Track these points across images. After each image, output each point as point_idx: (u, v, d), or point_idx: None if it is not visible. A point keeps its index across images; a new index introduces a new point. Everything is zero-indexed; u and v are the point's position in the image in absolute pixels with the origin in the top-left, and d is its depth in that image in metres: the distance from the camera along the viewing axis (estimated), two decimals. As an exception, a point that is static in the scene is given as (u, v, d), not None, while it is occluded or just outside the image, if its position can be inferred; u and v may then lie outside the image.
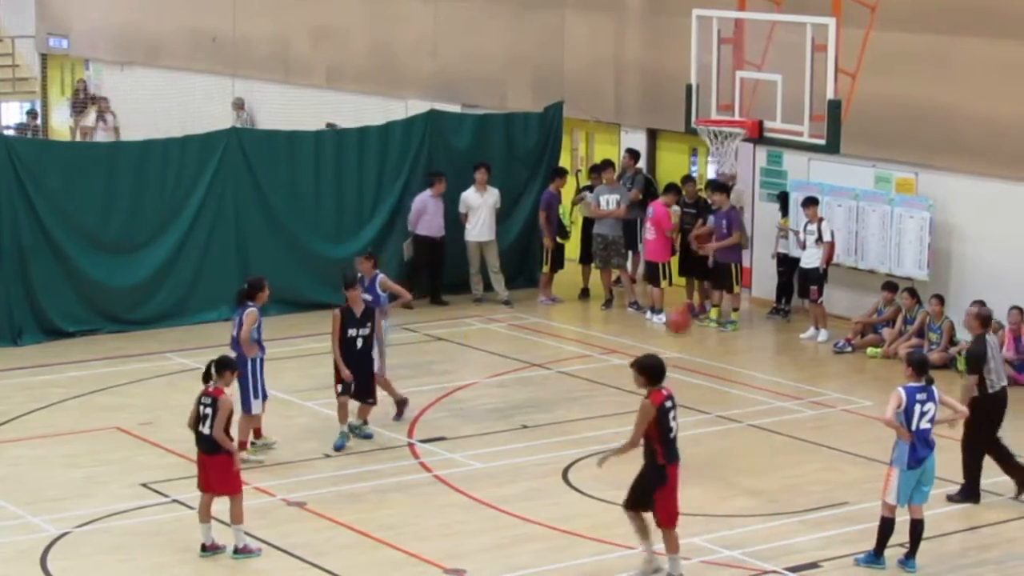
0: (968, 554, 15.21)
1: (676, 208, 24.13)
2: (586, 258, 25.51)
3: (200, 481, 14.92)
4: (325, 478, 17.10)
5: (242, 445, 17.19)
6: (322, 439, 18.05)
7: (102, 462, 17.55)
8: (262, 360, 17.51)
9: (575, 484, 17.01)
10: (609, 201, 24.69)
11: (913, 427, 14.50)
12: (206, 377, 14.95)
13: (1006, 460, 16.70)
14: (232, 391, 15.36)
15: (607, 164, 25.18)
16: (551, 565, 14.78)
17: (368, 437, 18.15)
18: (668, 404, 14.15)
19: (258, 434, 17.86)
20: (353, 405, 17.97)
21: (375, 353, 17.98)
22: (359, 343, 17.70)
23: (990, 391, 16.40)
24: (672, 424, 14.17)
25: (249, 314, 17.45)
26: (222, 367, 14.96)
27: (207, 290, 23.48)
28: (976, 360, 16.39)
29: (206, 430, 14.73)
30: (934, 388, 14.79)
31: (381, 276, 18.92)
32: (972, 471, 16.56)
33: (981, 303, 21.05)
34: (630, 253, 25.44)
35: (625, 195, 24.81)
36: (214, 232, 23.73)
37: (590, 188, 25.35)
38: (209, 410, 14.72)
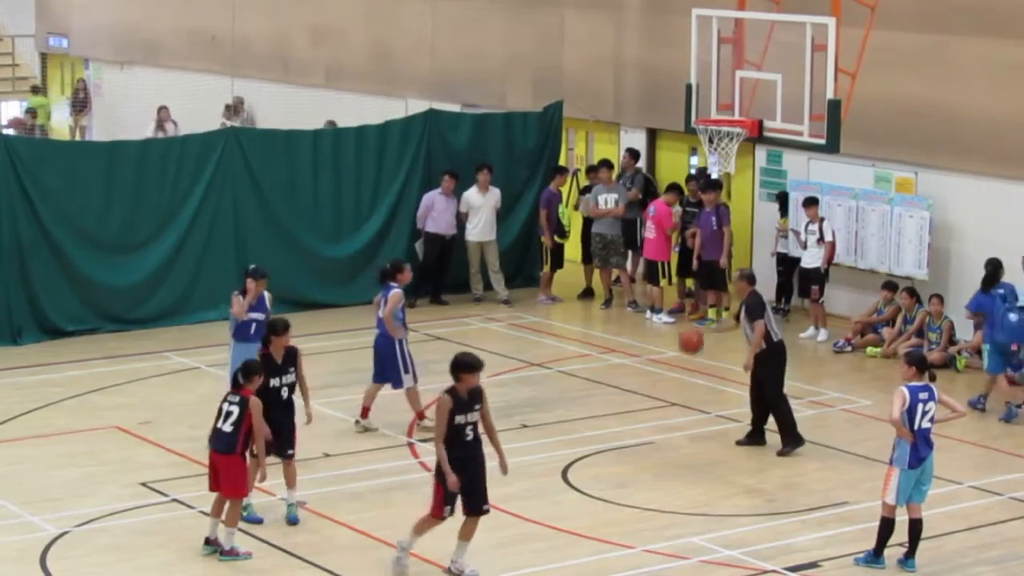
0: (968, 553, 15.20)
1: (678, 208, 24.14)
2: (587, 258, 25.52)
3: (210, 480, 14.94)
4: (325, 477, 17.09)
5: (420, 415, 18.28)
6: (322, 439, 18.04)
7: (101, 461, 17.56)
8: (403, 340, 18.15)
9: (575, 484, 17.02)
10: (607, 200, 24.70)
11: (915, 426, 14.50)
12: (234, 383, 14.96)
13: (761, 415, 18.18)
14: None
15: (603, 164, 25.19)
16: (550, 564, 14.79)
17: (293, 523, 15.77)
18: None
19: (365, 414, 18.35)
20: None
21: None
22: (284, 392, 15.86)
23: (774, 340, 17.95)
24: None
25: (394, 294, 18.00)
26: (249, 372, 14.97)
27: (206, 289, 23.48)
28: (756, 309, 17.92)
29: (227, 428, 14.72)
30: (934, 387, 14.80)
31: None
32: (785, 419, 18.00)
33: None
34: (630, 252, 25.48)
35: (623, 194, 24.81)
36: (213, 231, 23.73)
37: (589, 189, 25.36)
38: (235, 408, 14.72)
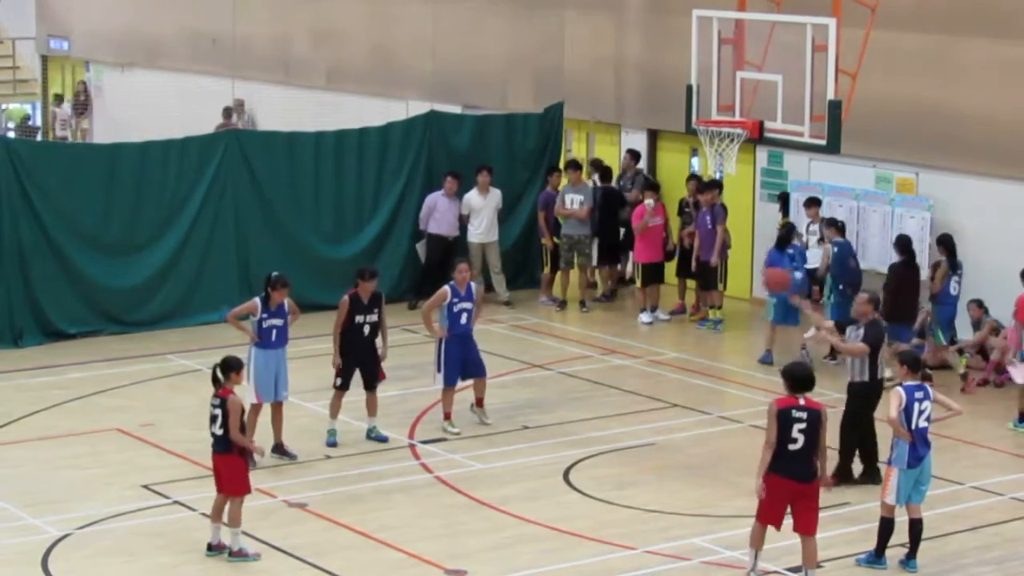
0: (969, 554, 15.22)
1: (650, 202, 24.04)
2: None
3: (216, 482, 14.98)
4: (326, 479, 17.11)
5: (446, 416, 18.69)
6: (323, 440, 18.06)
7: (103, 464, 17.56)
8: (447, 340, 18.43)
9: (576, 485, 17.03)
10: (573, 201, 24.77)
11: (912, 426, 14.53)
12: (215, 381, 14.97)
13: (871, 449, 16.98)
14: (241, 391, 15.36)
15: (570, 164, 25.27)
16: (552, 565, 14.80)
17: (383, 440, 18.25)
18: (792, 413, 13.92)
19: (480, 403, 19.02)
20: (348, 404, 18.00)
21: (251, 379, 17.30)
22: (366, 330, 17.97)
23: (878, 376, 16.89)
24: (790, 435, 13.93)
25: (438, 292, 18.53)
26: (227, 368, 14.99)
27: (208, 291, 23.49)
28: (877, 340, 16.78)
29: (217, 431, 14.76)
30: (929, 386, 14.84)
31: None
32: (848, 452, 16.98)
33: (978, 302, 21.09)
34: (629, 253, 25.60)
35: (589, 196, 24.87)
36: (214, 233, 23.74)
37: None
38: (218, 411, 14.76)
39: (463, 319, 18.58)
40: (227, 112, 33.54)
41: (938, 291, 21.18)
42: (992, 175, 21.96)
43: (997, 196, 21.93)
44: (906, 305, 20.91)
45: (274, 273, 17.85)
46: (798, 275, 21.56)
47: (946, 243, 21.34)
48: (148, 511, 16.07)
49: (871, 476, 16.83)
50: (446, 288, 18.56)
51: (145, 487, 16.72)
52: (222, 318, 17.83)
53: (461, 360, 18.57)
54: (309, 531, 15.61)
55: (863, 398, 16.90)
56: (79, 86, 38.32)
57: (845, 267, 21.61)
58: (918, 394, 14.63)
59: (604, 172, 25.69)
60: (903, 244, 21.21)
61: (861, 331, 16.94)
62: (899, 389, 14.64)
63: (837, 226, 21.92)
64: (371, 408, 18.30)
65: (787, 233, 22.22)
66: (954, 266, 21.24)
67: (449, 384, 18.60)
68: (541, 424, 19.12)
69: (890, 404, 14.60)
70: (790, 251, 21.85)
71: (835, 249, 21.63)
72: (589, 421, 19.20)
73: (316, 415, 18.78)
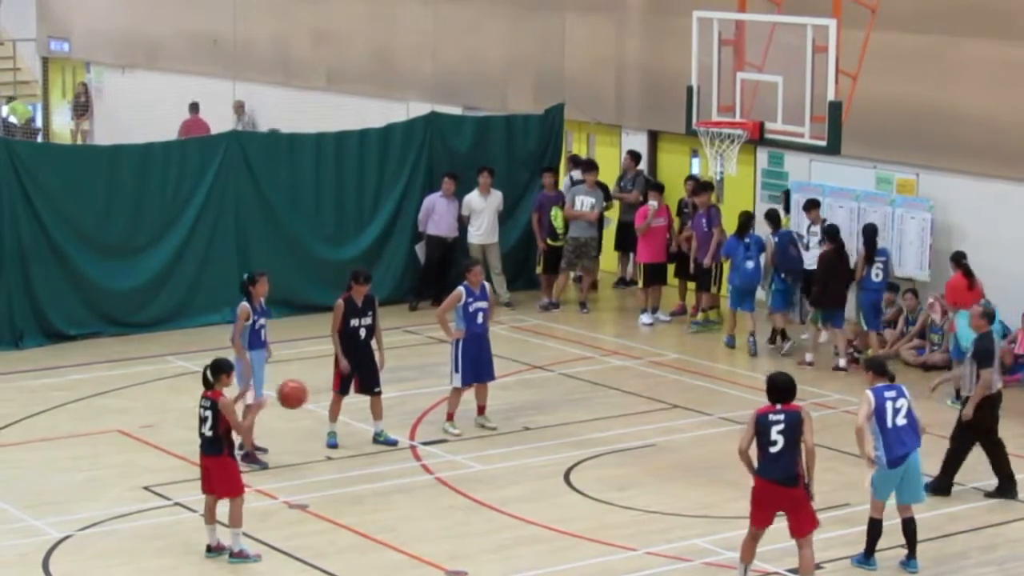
0: (971, 555, 15.22)
1: (654, 203, 24.05)
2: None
3: (203, 483, 14.96)
4: (327, 480, 17.12)
5: (449, 416, 18.58)
6: (324, 441, 18.07)
7: (104, 465, 17.57)
8: (464, 340, 18.33)
9: (577, 486, 17.03)
10: (583, 203, 24.75)
11: (889, 425, 14.51)
12: (205, 382, 14.95)
13: (1003, 459, 16.75)
14: (231, 393, 15.34)
15: (591, 166, 25.23)
16: (553, 567, 14.80)
17: (392, 443, 18.19)
18: (770, 417, 13.92)
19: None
20: (349, 405, 18.00)
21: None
22: (362, 333, 17.89)
23: (990, 392, 16.62)
24: (770, 438, 13.91)
25: (453, 293, 18.46)
26: (217, 370, 14.99)
27: (208, 293, 23.49)
28: (987, 355, 16.59)
29: (207, 432, 14.75)
30: (902, 385, 14.82)
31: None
32: (954, 466, 16.72)
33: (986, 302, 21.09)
34: (631, 255, 25.56)
35: (600, 199, 24.87)
36: (215, 235, 23.74)
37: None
38: (208, 412, 14.74)
39: (479, 318, 18.54)
40: (194, 107, 33.54)
41: (860, 278, 21.64)
42: (992, 175, 21.97)
43: (997, 196, 21.94)
44: (836, 292, 21.55)
45: (245, 274, 17.92)
46: (749, 264, 22.35)
47: (866, 232, 21.76)
48: (149, 512, 16.08)
49: (1006, 490, 16.59)
50: (460, 289, 18.50)
51: (146, 488, 16.72)
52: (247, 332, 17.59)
53: (475, 360, 18.54)
54: (310, 532, 15.62)
55: (980, 410, 16.58)
56: (80, 87, 38.32)
57: (786, 255, 22.41)
58: (889, 394, 14.62)
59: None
60: (832, 233, 21.72)
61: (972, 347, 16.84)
62: (868, 393, 14.64)
63: (772, 218, 22.75)
64: (376, 413, 18.24)
65: (747, 221, 22.70)
66: (871, 254, 21.57)
67: (465, 384, 18.58)
68: (542, 425, 19.13)
69: (860, 410, 14.60)
70: (747, 240, 22.51)
71: (776, 239, 22.42)
72: (590, 422, 19.20)
73: (317, 416, 18.76)
